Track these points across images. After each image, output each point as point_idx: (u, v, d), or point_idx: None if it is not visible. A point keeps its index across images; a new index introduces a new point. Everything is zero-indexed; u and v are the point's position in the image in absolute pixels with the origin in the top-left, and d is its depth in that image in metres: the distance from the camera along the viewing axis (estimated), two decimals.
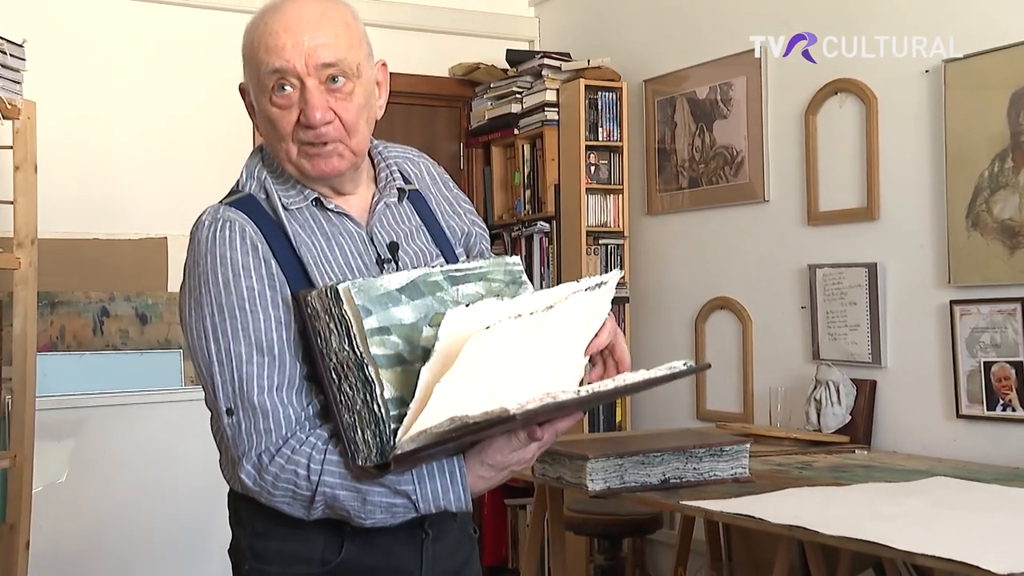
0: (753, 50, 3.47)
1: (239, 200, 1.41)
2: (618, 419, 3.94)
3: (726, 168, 3.63)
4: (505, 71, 4.30)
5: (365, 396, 1.23)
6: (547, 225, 4.06)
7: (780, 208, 3.44)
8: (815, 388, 3.13)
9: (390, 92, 1.55)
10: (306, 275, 1.34)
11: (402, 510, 1.30)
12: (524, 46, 4.51)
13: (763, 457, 2.79)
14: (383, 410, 1.22)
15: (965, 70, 2.85)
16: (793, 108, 3.38)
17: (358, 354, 1.23)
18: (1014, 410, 2.74)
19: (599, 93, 3.93)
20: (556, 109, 4.02)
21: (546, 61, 4.07)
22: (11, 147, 2.80)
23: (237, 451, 1.32)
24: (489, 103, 4.32)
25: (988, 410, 2.80)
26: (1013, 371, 2.74)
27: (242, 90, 1.45)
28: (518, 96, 4.16)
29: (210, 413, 1.41)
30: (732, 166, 3.61)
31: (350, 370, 1.24)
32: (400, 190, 1.50)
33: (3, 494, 2.81)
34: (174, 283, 3.90)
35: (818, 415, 3.10)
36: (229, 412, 1.31)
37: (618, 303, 3.93)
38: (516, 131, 4.19)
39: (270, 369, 1.30)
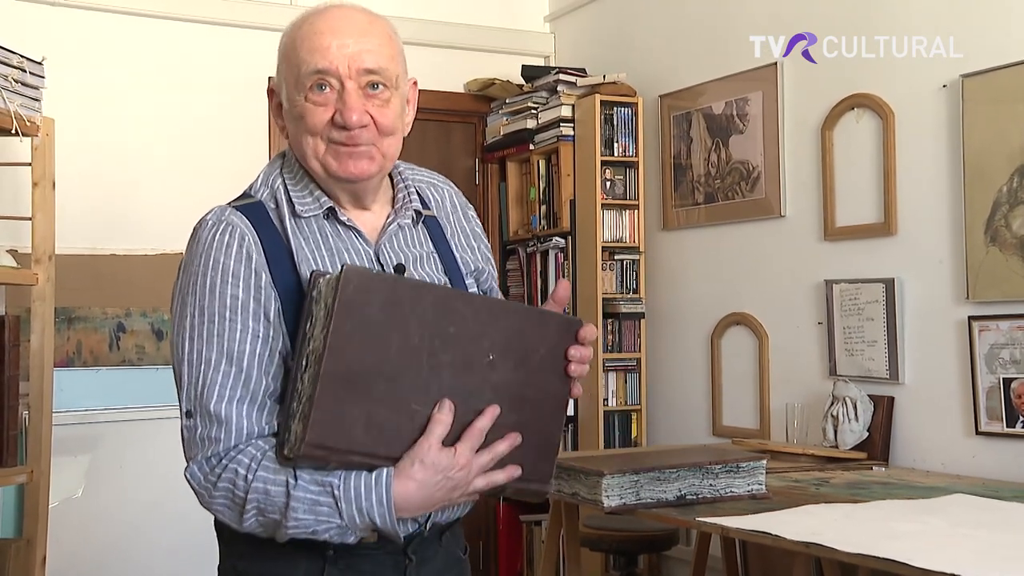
0: (768, 65, 3.47)
1: (247, 206, 1.39)
2: (634, 435, 3.93)
3: (742, 183, 3.62)
4: (520, 87, 4.31)
5: (311, 389, 1.24)
6: (562, 240, 4.06)
7: (797, 223, 3.43)
8: (832, 404, 3.11)
9: None
10: (300, 289, 1.33)
11: (326, 511, 1.26)
12: (539, 61, 4.52)
13: (780, 473, 2.77)
14: (308, 407, 1.23)
15: (983, 85, 2.84)
16: (810, 123, 3.37)
17: (324, 345, 1.24)
18: None
19: (615, 108, 3.93)
20: (572, 124, 4.02)
21: (561, 76, 4.07)
22: (30, 164, 2.82)
23: (189, 452, 1.32)
24: (504, 118, 4.33)
25: (1008, 427, 2.77)
26: None
27: (270, 91, 1.46)
28: (533, 111, 4.17)
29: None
30: (748, 181, 3.60)
31: (314, 363, 1.25)
32: (416, 212, 1.49)
33: (20, 509, 2.82)
34: None
35: (835, 431, 3.08)
36: (188, 414, 1.32)
37: (634, 319, 3.92)
38: (531, 146, 4.20)
39: (235, 380, 1.30)
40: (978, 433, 2.85)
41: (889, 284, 3.09)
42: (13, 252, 2.98)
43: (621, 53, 4.17)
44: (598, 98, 3.91)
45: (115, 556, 3.59)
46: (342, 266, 1.26)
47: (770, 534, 2.05)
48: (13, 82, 2.60)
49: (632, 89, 3.98)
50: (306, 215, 1.39)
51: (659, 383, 3.95)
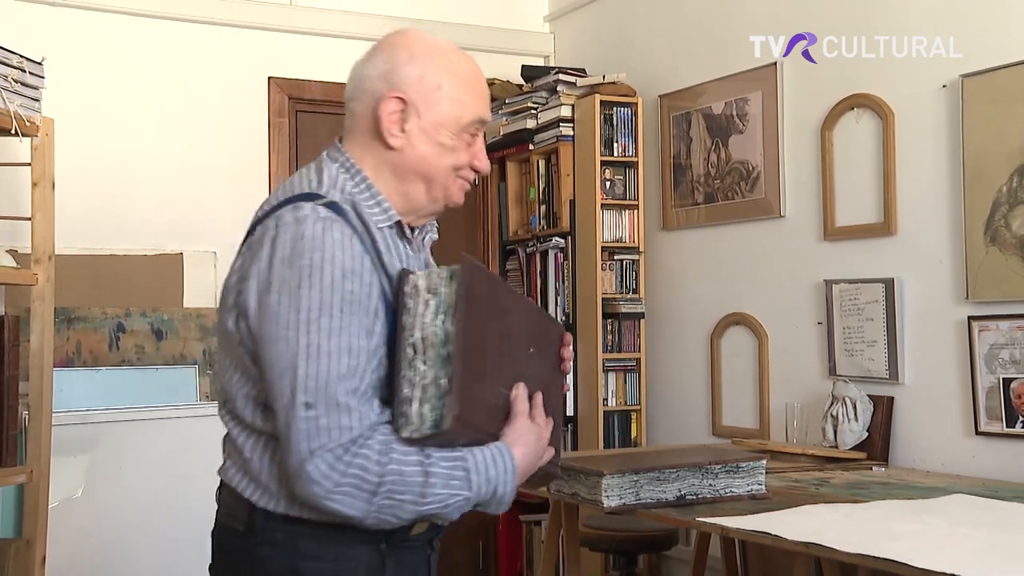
0: (768, 65, 3.47)
1: (331, 204, 1.41)
2: (633, 435, 3.93)
3: (742, 183, 3.62)
4: (520, 87, 4.31)
5: (439, 371, 1.34)
6: (562, 241, 4.06)
7: (796, 223, 3.43)
8: (832, 404, 3.11)
9: None
10: (383, 290, 1.40)
11: (457, 484, 1.36)
12: (539, 61, 4.52)
13: (779, 474, 2.77)
14: (444, 385, 1.34)
15: (983, 85, 2.84)
16: (809, 123, 3.37)
17: (446, 331, 1.35)
18: None
19: (614, 108, 3.93)
20: (571, 124, 4.02)
21: (561, 76, 4.07)
22: (29, 164, 2.82)
23: (309, 444, 1.31)
24: (504, 118, 4.33)
25: (1008, 427, 2.78)
26: None
27: (400, 98, 1.47)
28: (533, 111, 4.17)
29: (236, 420, 1.45)
30: (748, 181, 3.60)
31: (432, 347, 1.35)
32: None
33: (20, 509, 2.82)
34: (190, 299, 3.92)
35: (835, 431, 3.08)
36: (307, 406, 1.32)
37: (633, 319, 3.92)
38: (531, 146, 4.20)
39: (353, 372, 1.34)
40: (978, 433, 2.85)
41: (889, 284, 3.09)
42: (13, 252, 2.98)
43: (621, 53, 4.17)
44: (598, 98, 3.90)
45: (115, 556, 3.59)
46: (463, 257, 1.37)
47: (770, 534, 2.05)
48: (13, 82, 2.60)
49: (632, 89, 3.98)
50: (378, 225, 1.46)
51: (659, 383, 3.95)
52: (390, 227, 1.47)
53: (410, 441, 1.34)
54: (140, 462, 3.65)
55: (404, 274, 1.40)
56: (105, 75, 3.87)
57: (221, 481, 1.51)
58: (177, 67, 3.98)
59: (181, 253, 3.93)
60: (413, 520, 1.39)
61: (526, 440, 1.44)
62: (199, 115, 4.00)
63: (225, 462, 1.50)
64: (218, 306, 1.48)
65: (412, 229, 1.54)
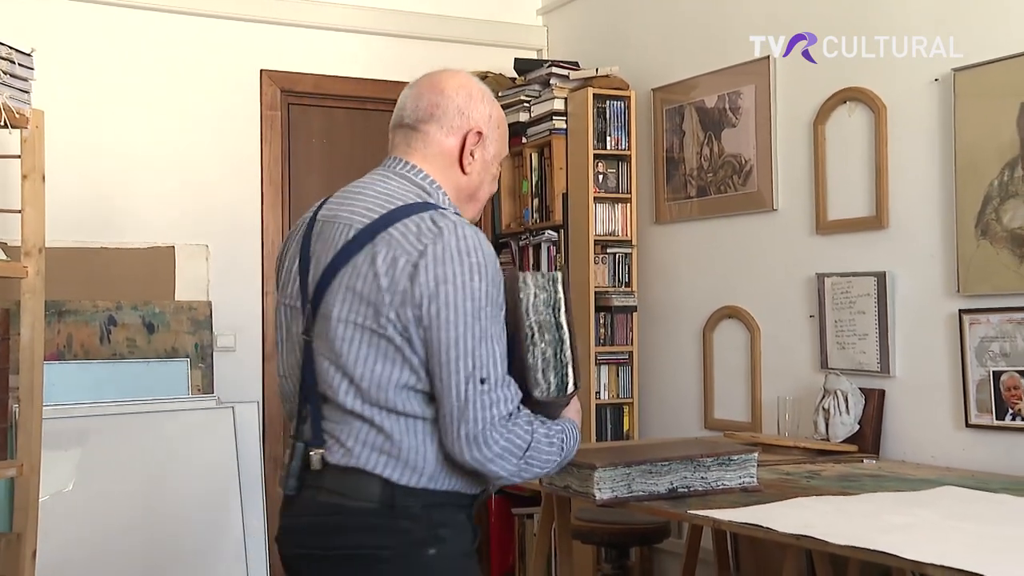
0: (761, 59, 3.47)
1: (457, 214, 1.69)
2: (626, 428, 3.93)
3: (734, 177, 3.62)
4: (513, 80, 4.31)
5: (556, 349, 1.68)
6: (555, 234, 4.06)
7: (789, 217, 3.43)
8: (823, 397, 3.12)
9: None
10: None
11: (557, 451, 1.66)
12: (532, 55, 4.52)
13: (771, 466, 2.78)
14: (568, 359, 1.69)
15: (975, 79, 2.84)
16: (802, 117, 3.37)
17: (559, 319, 1.70)
18: (1023, 420, 2.73)
19: (607, 102, 3.93)
20: (564, 118, 4.02)
21: (554, 70, 4.07)
22: (19, 156, 2.81)
23: (485, 414, 1.55)
24: None
25: (997, 419, 2.79)
26: (1022, 380, 2.73)
27: (479, 132, 1.75)
28: (526, 105, 4.17)
29: (380, 408, 1.59)
30: (740, 175, 3.60)
31: (548, 330, 1.68)
32: None
33: (10, 503, 2.81)
34: (181, 292, 3.91)
35: (826, 424, 3.08)
36: (483, 381, 1.56)
37: (626, 312, 3.92)
38: (524, 140, 4.19)
39: (503, 353, 1.61)
40: (968, 426, 2.86)
41: (880, 278, 3.09)
42: (3, 245, 2.97)
43: (614, 46, 4.16)
44: (591, 91, 3.90)
45: (106, 550, 3.58)
46: (561, 266, 1.72)
47: (761, 527, 2.06)
48: (2, 74, 2.59)
49: (625, 82, 3.97)
50: None
51: (651, 376, 3.95)
52: None
53: (536, 403, 1.64)
54: (131, 456, 3.64)
55: (516, 274, 1.69)
56: (96, 67, 3.85)
57: (326, 467, 1.62)
58: (169, 59, 3.96)
59: (173, 246, 3.92)
60: (524, 480, 1.66)
61: (578, 414, 1.76)
62: (191, 107, 3.99)
63: (344, 448, 1.61)
64: (350, 305, 1.59)
65: None
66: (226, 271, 3.99)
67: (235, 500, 3.61)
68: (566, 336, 1.69)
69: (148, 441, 3.61)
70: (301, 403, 1.67)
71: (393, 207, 1.61)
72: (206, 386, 3.81)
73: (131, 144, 3.90)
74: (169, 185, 3.94)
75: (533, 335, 1.66)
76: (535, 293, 1.68)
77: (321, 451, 1.62)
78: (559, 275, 1.71)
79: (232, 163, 4.06)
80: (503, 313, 1.63)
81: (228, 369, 3.95)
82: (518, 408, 1.60)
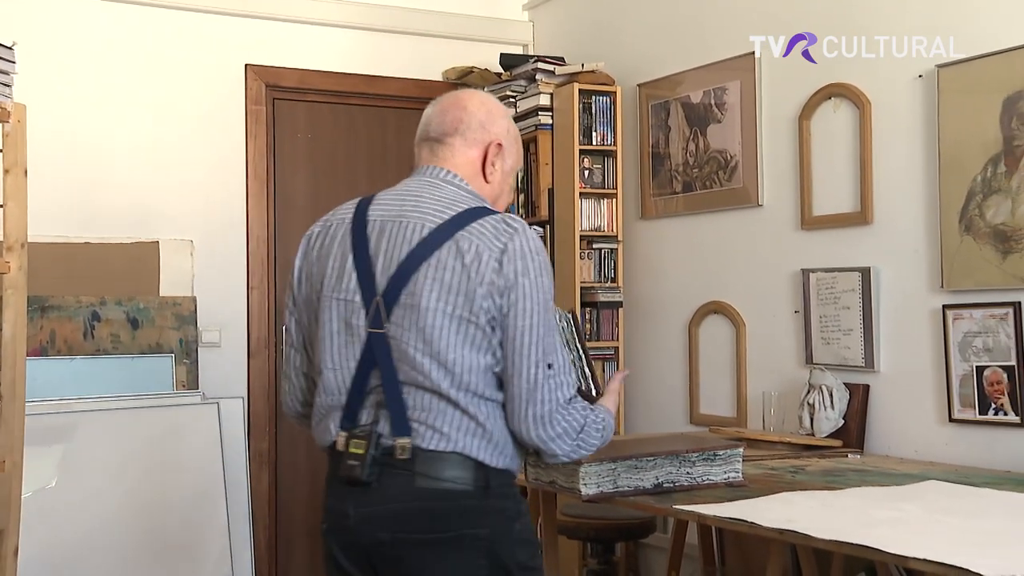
0: (747, 55, 3.48)
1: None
2: None
3: (720, 172, 3.63)
4: (499, 75, 4.30)
5: (576, 360, 2.06)
6: (541, 229, 4.05)
7: (774, 212, 3.44)
8: (808, 392, 3.13)
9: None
10: None
11: (601, 435, 1.82)
12: (518, 50, 4.51)
13: (756, 461, 2.79)
14: (589, 372, 2.09)
15: (958, 75, 2.86)
16: (787, 113, 3.38)
17: (578, 341, 2.09)
18: (1006, 414, 2.74)
19: (593, 97, 3.93)
20: (550, 113, 4.01)
21: (540, 65, 4.06)
22: (1, 150, 2.79)
23: (552, 396, 1.73)
24: None
25: (980, 414, 2.80)
26: (1005, 375, 2.75)
27: (500, 144, 1.88)
28: (512, 100, 4.16)
29: (470, 393, 1.71)
30: (726, 170, 3.61)
31: (571, 347, 2.05)
32: None
33: None
34: (166, 287, 3.89)
35: (811, 419, 3.10)
36: (550, 366, 1.73)
37: (611, 307, 3.92)
38: None
39: (561, 345, 1.83)
40: (951, 420, 2.87)
41: (865, 273, 3.10)
42: None
43: (600, 42, 4.16)
44: (576, 87, 3.90)
45: (89, 547, 3.56)
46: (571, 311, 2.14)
47: (746, 521, 2.06)
48: None
49: (610, 78, 3.97)
50: None
51: (637, 372, 3.96)
52: None
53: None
54: (115, 452, 3.62)
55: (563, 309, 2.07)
56: (80, 61, 3.83)
57: (416, 452, 1.69)
58: (153, 54, 3.94)
59: (157, 241, 3.90)
60: (571, 460, 1.81)
61: (614, 400, 1.99)
62: (175, 102, 3.97)
63: (439, 434, 1.70)
64: (439, 295, 1.70)
65: None
66: (211, 266, 3.98)
67: (220, 496, 3.60)
68: (583, 355, 2.05)
69: (132, 437, 3.59)
70: (358, 393, 1.74)
71: (462, 209, 1.76)
72: (191, 382, 3.79)
73: (115, 139, 3.87)
74: (153, 180, 3.92)
75: (565, 343, 1.94)
76: (557, 316, 1.91)
77: (407, 439, 1.69)
78: (570, 316, 2.08)
79: (217, 158, 4.04)
80: None
81: (213, 365, 3.93)
82: (575, 395, 1.78)
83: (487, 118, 1.87)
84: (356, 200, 1.86)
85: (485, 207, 1.80)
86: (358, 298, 1.75)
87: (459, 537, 1.70)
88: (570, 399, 1.75)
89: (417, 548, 1.70)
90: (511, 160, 1.89)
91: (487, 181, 1.86)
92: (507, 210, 1.90)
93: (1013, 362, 2.72)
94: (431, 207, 1.76)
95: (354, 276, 1.76)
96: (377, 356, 1.72)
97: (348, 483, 1.72)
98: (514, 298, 1.71)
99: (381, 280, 1.73)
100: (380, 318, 1.72)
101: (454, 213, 1.75)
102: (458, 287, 1.69)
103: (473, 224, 1.73)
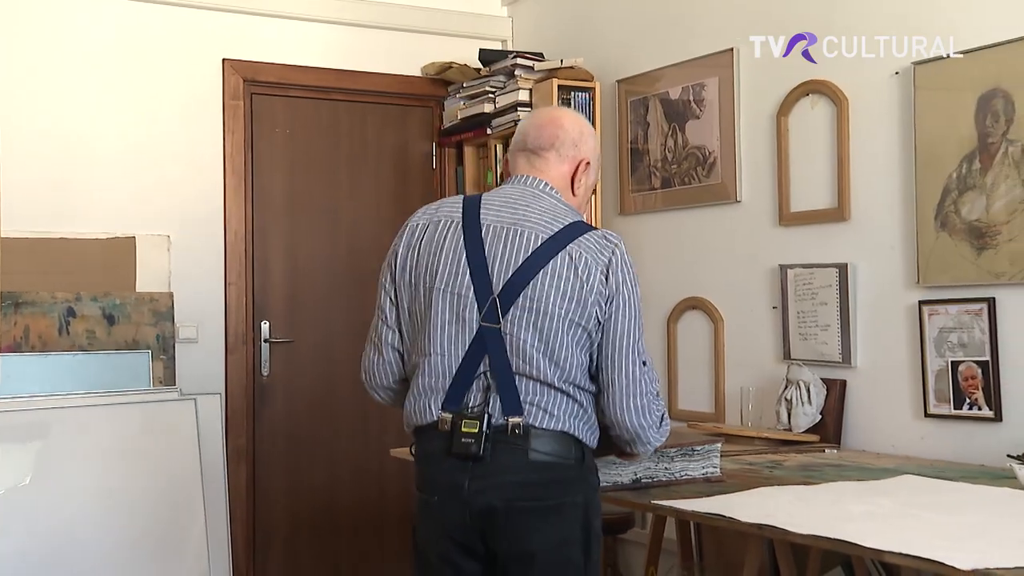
0: (725, 51, 3.49)
1: None
2: None
3: (698, 168, 3.64)
4: (478, 71, 4.29)
5: None
6: None
7: (752, 209, 3.46)
8: (786, 388, 3.14)
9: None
10: None
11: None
12: (497, 46, 4.50)
13: (734, 457, 2.80)
14: None
15: (934, 72, 2.88)
16: (765, 109, 3.39)
17: None
18: (980, 409, 2.77)
19: (572, 93, 3.92)
20: (529, 109, 4.01)
21: (519, 61, 4.06)
22: None
23: (648, 388, 1.97)
24: (462, 103, 4.31)
25: (955, 409, 2.83)
26: (979, 371, 2.77)
27: (588, 162, 2.08)
28: (491, 96, 4.16)
29: (574, 385, 1.94)
30: (704, 167, 3.62)
31: None
32: None
33: None
34: (143, 283, 3.86)
35: (789, 415, 3.11)
36: (645, 363, 1.97)
37: None
38: (489, 131, 4.18)
39: None
40: (927, 415, 2.90)
41: (842, 269, 3.12)
42: None
43: (578, 38, 4.16)
44: (555, 83, 3.90)
45: (64, 545, 3.53)
46: None
47: (724, 516, 2.07)
48: None
49: (589, 74, 3.97)
50: None
51: None
52: None
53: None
54: (91, 449, 3.59)
55: None
56: (55, 55, 3.79)
57: (529, 430, 1.90)
58: (130, 48, 3.91)
59: (134, 237, 3.87)
60: (647, 451, 2.06)
61: None
62: (152, 97, 3.94)
63: (550, 415, 1.91)
64: (555, 300, 1.91)
65: None
66: (188, 262, 3.95)
67: (197, 492, 3.58)
68: None
69: (108, 434, 3.56)
70: (465, 378, 1.92)
71: (568, 222, 1.97)
72: (168, 378, 3.76)
73: (91, 133, 3.84)
74: (130, 175, 3.89)
75: None
76: None
77: (520, 418, 1.89)
78: None
79: (194, 153, 4.01)
80: None
81: (190, 361, 3.91)
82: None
83: (580, 137, 2.07)
84: (458, 199, 2.05)
85: (583, 221, 2.01)
86: (471, 294, 1.93)
87: (561, 504, 1.92)
88: (658, 393, 2.01)
89: (526, 514, 1.90)
90: (593, 176, 2.11)
91: (574, 194, 2.07)
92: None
93: (987, 357, 2.75)
94: (539, 217, 1.97)
95: (468, 273, 1.94)
96: (489, 347, 1.91)
97: (462, 458, 1.90)
98: (616, 304, 1.94)
99: (496, 281, 1.92)
100: (495, 314, 1.91)
101: (562, 226, 1.96)
102: (573, 295, 1.91)
103: (581, 238, 1.95)
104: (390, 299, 2.05)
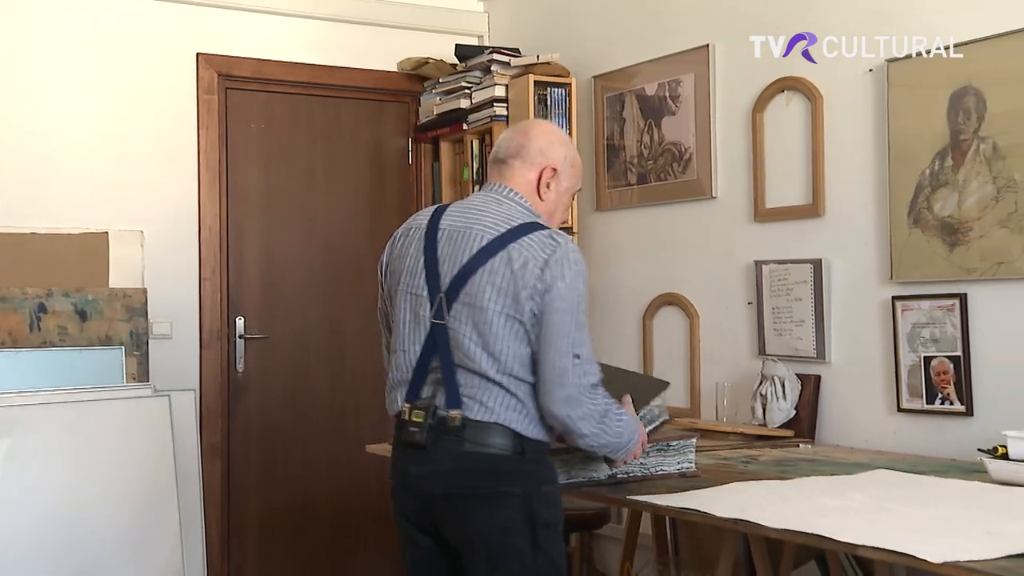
0: (701, 47, 3.50)
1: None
2: None
3: (674, 165, 3.65)
4: (454, 66, 4.28)
5: None
6: None
7: (727, 205, 3.47)
8: (761, 383, 3.16)
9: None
10: None
11: (624, 433, 2.16)
12: (473, 41, 4.49)
13: (709, 452, 2.81)
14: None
15: (907, 70, 2.90)
16: (741, 105, 3.41)
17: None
18: (952, 404, 2.79)
19: (548, 89, 3.93)
20: (505, 104, 4.00)
21: (495, 56, 4.05)
22: None
23: (578, 381, 2.01)
24: (438, 98, 4.30)
25: (928, 404, 2.85)
26: (951, 365, 2.80)
27: (554, 168, 2.16)
28: (467, 91, 4.15)
29: (512, 377, 2.01)
30: (680, 163, 3.63)
31: None
32: None
33: None
34: (116, 278, 3.83)
35: (764, 410, 3.13)
36: (577, 357, 2.01)
37: None
38: (465, 126, 4.17)
39: (590, 341, 2.09)
40: (900, 410, 2.92)
41: (817, 265, 3.14)
42: None
43: (555, 33, 4.16)
44: (532, 78, 3.90)
45: (38, 542, 3.50)
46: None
47: (699, 512, 2.08)
48: None
49: (566, 70, 3.97)
50: None
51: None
52: None
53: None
54: (64, 446, 3.56)
55: None
56: (26, 49, 3.74)
57: (466, 422, 2.00)
58: (103, 42, 3.87)
59: (107, 232, 3.83)
60: (599, 444, 2.09)
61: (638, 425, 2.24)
62: (125, 91, 3.90)
63: (485, 408, 2.00)
64: (492, 296, 2.00)
65: None
66: (162, 257, 3.92)
67: (171, 489, 3.55)
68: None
69: (81, 430, 3.52)
70: (421, 372, 2.06)
71: (516, 224, 2.05)
72: (141, 374, 3.73)
73: (63, 128, 3.80)
74: (103, 170, 3.85)
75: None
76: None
77: (459, 411, 2.00)
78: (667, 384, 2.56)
79: (168, 148, 3.98)
80: None
81: (164, 357, 3.88)
82: (599, 383, 2.05)
83: (547, 145, 2.17)
84: (434, 208, 2.19)
85: (536, 222, 2.08)
86: (425, 293, 2.07)
87: (497, 494, 2.00)
88: (594, 385, 2.03)
89: (463, 501, 2.01)
90: (566, 183, 2.18)
91: (541, 199, 2.16)
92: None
93: (959, 352, 2.77)
94: (491, 220, 2.07)
95: (423, 275, 2.07)
96: (438, 343, 2.04)
97: (410, 446, 2.04)
98: (550, 298, 2.00)
99: (445, 280, 2.05)
100: (442, 312, 2.03)
101: (510, 227, 2.05)
102: (508, 290, 2.00)
103: (524, 237, 2.03)
104: (380, 306, 2.25)
